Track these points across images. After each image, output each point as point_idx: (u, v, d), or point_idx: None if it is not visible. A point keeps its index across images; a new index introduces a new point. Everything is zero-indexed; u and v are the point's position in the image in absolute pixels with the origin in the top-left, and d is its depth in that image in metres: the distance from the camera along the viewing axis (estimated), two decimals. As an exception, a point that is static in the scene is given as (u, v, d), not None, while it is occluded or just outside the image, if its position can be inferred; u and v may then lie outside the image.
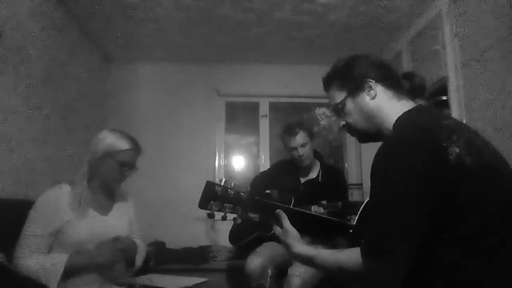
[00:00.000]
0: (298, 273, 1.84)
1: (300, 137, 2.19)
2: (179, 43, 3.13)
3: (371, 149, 0.93)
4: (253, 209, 1.12)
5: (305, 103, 3.76)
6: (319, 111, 4.31)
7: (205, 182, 1.04)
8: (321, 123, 4.40)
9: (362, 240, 0.83)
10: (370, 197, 0.87)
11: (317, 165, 2.35)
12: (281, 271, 1.95)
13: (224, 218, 1.09)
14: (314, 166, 2.34)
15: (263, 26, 2.86)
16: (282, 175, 2.34)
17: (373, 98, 1.01)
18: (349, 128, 1.09)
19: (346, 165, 3.57)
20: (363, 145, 3.32)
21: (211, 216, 1.05)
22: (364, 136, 1.08)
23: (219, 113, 3.53)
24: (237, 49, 3.26)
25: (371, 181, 0.86)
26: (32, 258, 1.35)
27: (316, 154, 2.39)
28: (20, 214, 1.45)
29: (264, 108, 3.59)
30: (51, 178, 2.28)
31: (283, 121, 3.73)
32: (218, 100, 3.52)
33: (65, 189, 1.49)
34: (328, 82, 1.10)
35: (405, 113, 0.96)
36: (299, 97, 3.59)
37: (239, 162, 3.79)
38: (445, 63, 2.30)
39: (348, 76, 1.05)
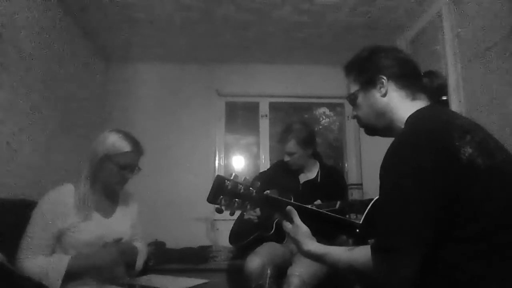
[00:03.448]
0: (298, 273, 1.84)
1: (289, 146, 2.21)
2: (179, 43, 3.13)
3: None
4: (263, 205, 1.11)
5: (305, 103, 3.75)
6: (319, 111, 4.31)
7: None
8: (321, 123, 4.40)
9: (372, 238, 0.83)
10: (380, 194, 0.86)
11: (316, 166, 2.34)
12: (280, 271, 1.95)
13: (232, 214, 1.08)
14: (313, 167, 2.33)
15: (263, 26, 2.86)
16: (281, 175, 2.34)
17: (384, 95, 1.01)
18: (358, 120, 1.10)
19: (346, 165, 3.55)
20: (363, 145, 3.32)
21: (219, 211, 1.05)
22: (372, 130, 1.09)
23: (219, 113, 3.53)
24: (237, 49, 3.26)
25: (380, 178, 0.85)
26: (35, 260, 1.35)
27: (316, 155, 2.39)
28: (20, 214, 1.45)
29: (264, 108, 3.59)
30: (51, 178, 2.28)
31: (283, 121, 3.74)
32: (218, 100, 3.52)
33: (69, 189, 1.48)
34: (347, 71, 1.11)
35: (418, 110, 0.95)
36: (299, 97, 3.58)
37: (239, 162, 3.79)
38: (445, 63, 2.30)
39: (363, 70, 1.06)
